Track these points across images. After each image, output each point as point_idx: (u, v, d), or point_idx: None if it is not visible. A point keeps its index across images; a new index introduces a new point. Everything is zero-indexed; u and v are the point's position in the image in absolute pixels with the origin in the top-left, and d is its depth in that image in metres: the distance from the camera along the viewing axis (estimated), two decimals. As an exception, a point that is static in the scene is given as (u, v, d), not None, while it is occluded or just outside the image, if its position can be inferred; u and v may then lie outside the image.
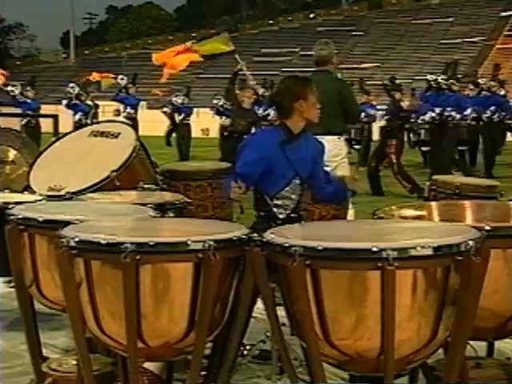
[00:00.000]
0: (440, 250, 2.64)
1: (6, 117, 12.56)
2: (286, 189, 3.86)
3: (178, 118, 19.07)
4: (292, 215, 3.83)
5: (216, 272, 2.84)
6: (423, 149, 14.67)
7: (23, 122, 14.80)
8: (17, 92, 16.30)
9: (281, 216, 3.82)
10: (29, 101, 16.78)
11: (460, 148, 13.81)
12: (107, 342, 3.00)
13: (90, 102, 18.53)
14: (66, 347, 4.26)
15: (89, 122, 16.24)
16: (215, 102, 18.37)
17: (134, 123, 15.00)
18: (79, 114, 17.66)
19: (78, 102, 18.02)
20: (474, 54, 43.18)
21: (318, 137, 6.45)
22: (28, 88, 17.52)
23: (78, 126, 14.97)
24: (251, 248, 2.89)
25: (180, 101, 19.58)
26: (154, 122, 25.22)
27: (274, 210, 3.84)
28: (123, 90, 18.23)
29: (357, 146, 16.44)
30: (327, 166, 6.14)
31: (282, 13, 59.84)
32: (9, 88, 16.36)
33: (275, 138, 3.85)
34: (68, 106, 18.25)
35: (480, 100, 15.19)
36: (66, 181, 4.47)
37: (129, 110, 17.76)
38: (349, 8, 55.99)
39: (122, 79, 18.98)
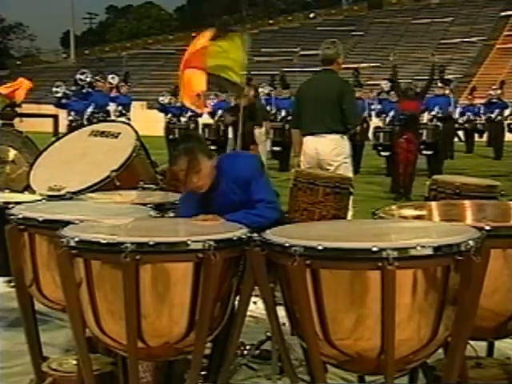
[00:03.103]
0: (440, 249, 2.64)
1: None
2: None
3: (165, 117, 18.60)
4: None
5: (216, 272, 2.84)
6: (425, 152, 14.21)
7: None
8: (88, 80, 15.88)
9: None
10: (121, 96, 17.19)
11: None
12: (107, 342, 3.00)
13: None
14: (66, 347, 4.25)
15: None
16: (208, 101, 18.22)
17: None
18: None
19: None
20: (474, 54, 43.19)
21: (320, 135, 6.45)
22: (122, 83, 17.75)
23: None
24: (251, 248, 2.89)
25: (166, 100, 18.82)
26: (153, 122, 25.18)
27: None
28: (115, 89, 18.03)
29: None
30: (330, 164, 6.16)
31: (282, 13, 59.80)
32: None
33: (193, 201, 3.51)
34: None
35: None
36: (66, 181, 4.47)
37: (120, 109, 17.57)
38: (349, 8, 55.99)
39: (113, 78, 18.68)
